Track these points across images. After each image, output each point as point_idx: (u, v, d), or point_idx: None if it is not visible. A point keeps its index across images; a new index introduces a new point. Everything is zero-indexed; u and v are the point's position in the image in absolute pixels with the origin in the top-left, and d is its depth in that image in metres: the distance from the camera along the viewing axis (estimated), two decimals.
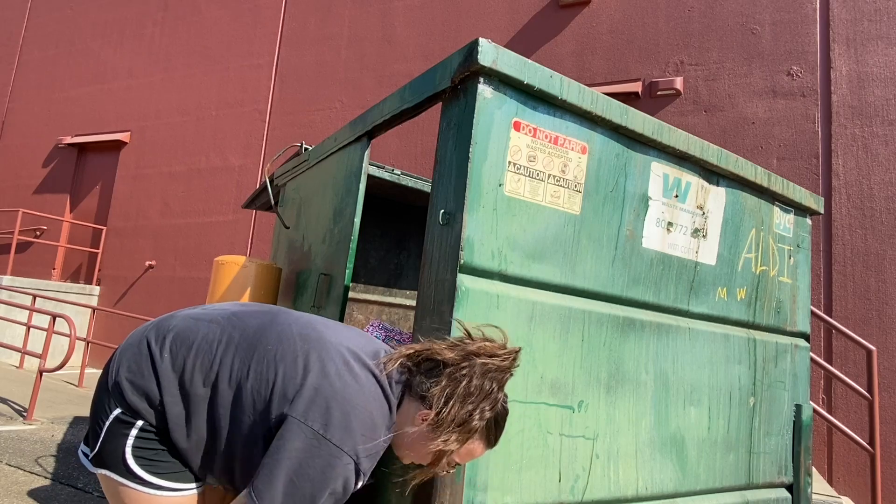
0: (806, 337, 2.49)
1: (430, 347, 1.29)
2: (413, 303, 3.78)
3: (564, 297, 1.69)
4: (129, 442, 1.27)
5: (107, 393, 1.32)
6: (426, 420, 1.24)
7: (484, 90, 1.53)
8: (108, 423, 1.29)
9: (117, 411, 1.29)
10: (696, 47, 6.20)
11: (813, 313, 4.68)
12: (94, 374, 8.47)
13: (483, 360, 1.24)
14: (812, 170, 5.56)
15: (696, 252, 2.04)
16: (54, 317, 5.62)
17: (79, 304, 7.59)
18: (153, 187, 9.33)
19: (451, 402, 1.21)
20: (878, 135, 5.37)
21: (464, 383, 1.22)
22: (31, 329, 7.80)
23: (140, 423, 1.29)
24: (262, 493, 1.15)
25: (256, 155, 8.58)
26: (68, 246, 9.62)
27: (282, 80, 8.61)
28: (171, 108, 9.45)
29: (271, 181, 3.21)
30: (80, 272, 9.95)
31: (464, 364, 1.24)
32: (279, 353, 1.27)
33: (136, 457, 1.27)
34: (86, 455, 1.36)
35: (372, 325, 1.87)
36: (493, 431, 1.29)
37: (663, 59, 6.33)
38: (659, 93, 6.18)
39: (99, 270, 9.56)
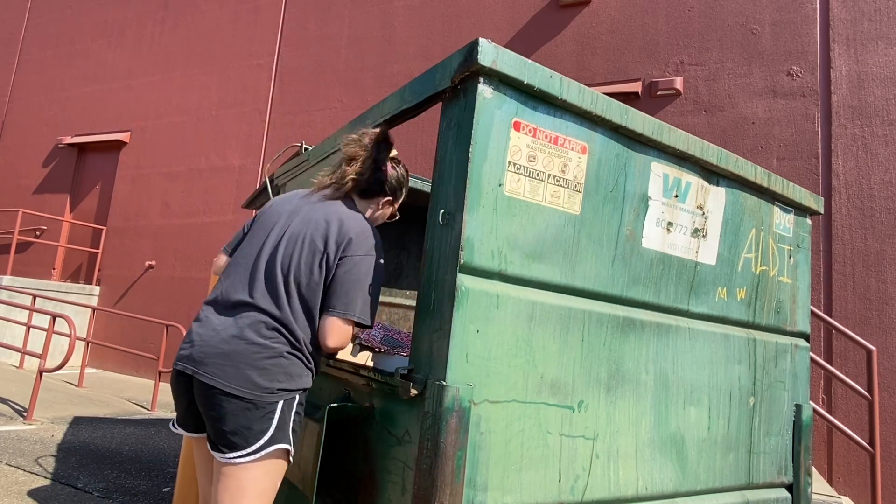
0: (806, 337, 2.49)
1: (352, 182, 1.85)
2: (413, 303, 3.78)
3: (564, 297, 1.69)
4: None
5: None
6: (385, 202, 1.94)
7: (484, 90, 1.53)
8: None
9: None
10: (696, 47, 6.20)
11: (813, 313, 4.69)
12: (93, 374, 8.47)
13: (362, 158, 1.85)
14: (812, 170, 5.56)
15: (696, 252, 2.04)
16: (54, 317, 5.62)
17: (79, 304, 7.60)
18: (153, 187, 9.33)
19: (395, 186, 1.93)
20: (878, 135, 5.37)
21: (381, 174, 1.87)
22: (31, 329, 7.80)
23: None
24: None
25: (256, 155, 8.58)
26: (68, 246, 9.63)
27: (282, 80, 8.62)
28: (171, 108, 9.45)
29: (271, 181, 3.21)
30: (80, 272, 9.95)
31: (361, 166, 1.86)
32: None
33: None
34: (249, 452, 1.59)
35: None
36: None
37: (663, 59, 6.33)
38: (659, 93, 6.19)
39: (99, 270, 9.56)
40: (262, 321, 1.62)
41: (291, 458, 1.67)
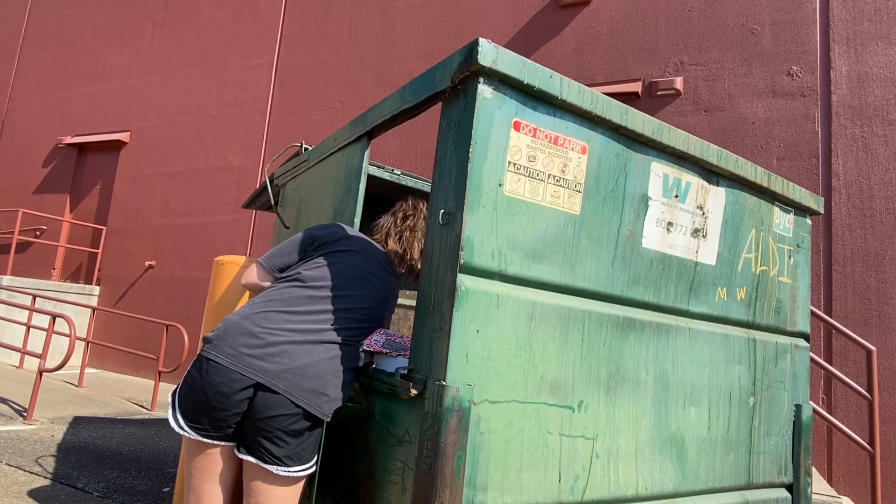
0: (806, 337, 2.49)
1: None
2: (413, 303, 3.78)
3: (564, 297, 1.69)
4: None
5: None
6: None
7: (484, 90, 1.53)
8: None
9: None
10: (696, 47, 6.20)
11: (813, 313, 4.69)
12: (93, 374, 8.47)
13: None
14: (812, 170, 5.56)
15: (696, 252, 2.04)
16: (54, 317, 5.62)
17: (79, 304, 7.59)
18: (153, 187, 9.33)
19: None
20: (878, 135, 5.37)
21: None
22: (31, 329, 7.80)
23: None
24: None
25: (256, 155, 8.58)
26: (68, 246, 9.62)
27: (282, 80, 8.62)
28: (171, 108, 9.45)
29: (271, 181, 3.21)
30: (80, 272, 9.95)
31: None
32: None
33: None
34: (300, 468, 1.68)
35: (375, 330, 1.88)
36: None
37: (663, 59, 6.33)
38: (659, 93, 6.19)
39: (99, 270, 9.56)
40: (342, 358, 1.74)
41: None
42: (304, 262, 1.87)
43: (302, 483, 1.72)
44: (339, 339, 1.74)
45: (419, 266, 2.05)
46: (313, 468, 1.71)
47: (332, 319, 1.76)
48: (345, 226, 2.02)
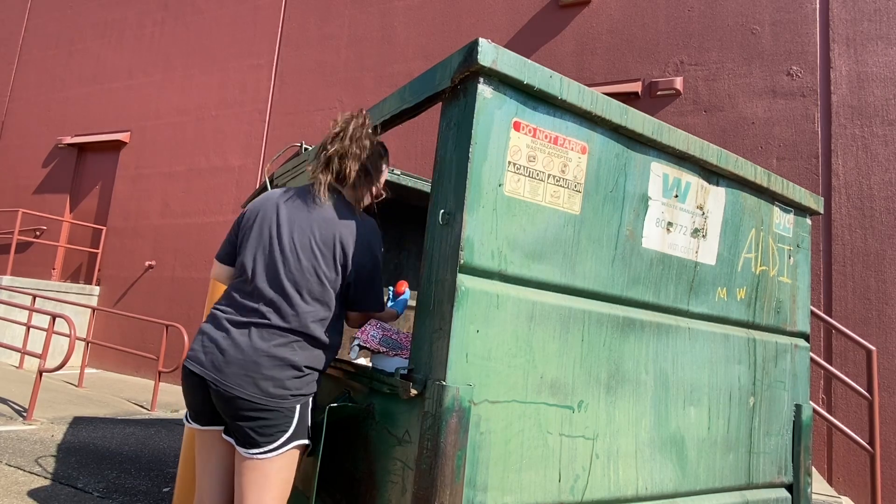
0: (806, 337, 2.49)
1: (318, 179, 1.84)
2: (413, 303, 3.78)
3: (564, 297, 1.69)
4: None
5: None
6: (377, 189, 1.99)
7: (484, 90, 1.53)
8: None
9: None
10: (696, 47, 6.20)
11: (813, 313, 4.69)
12: (93, 374, 8.47)
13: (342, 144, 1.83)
14: (812, 170, 5.56)
15: (696, 252, 2.04)
16: (54, 317, 5.62)
17: (79, 304, 7.59)
18: (153, 187, 9.33)
19: (366, 174, 1.88)
20: (878, 135, 5.37)
21: (363, 159, 1.84)
22: (31, 329, 7.80)
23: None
24: None
25: (256, 155, 8.58)
26: (68, 246, 9.62)
27: (282, 80, 8.62)
28: (171, 108, 9.45)
29: (271, 181, 3.22)
30: (79, 272, 9.95)
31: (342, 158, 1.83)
32: None
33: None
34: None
35: (370, 324, 1.87)
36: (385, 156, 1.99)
37: (663, 59, 6.33)
38: (659, 93, 6.18)
39: (99, 270, 9.56)
40: (274, 332, 1.70)
41: (309, 448, 1.80)
42: (238, 250, 1.86)
43: (274, 469, 1.70)
44: (267, 320, 1.70)
45: (368, 192, 1.91)
46: (272, 454, 1.69)
47: (256, 302, 1.73)
48: (269, 192, 1.89)
